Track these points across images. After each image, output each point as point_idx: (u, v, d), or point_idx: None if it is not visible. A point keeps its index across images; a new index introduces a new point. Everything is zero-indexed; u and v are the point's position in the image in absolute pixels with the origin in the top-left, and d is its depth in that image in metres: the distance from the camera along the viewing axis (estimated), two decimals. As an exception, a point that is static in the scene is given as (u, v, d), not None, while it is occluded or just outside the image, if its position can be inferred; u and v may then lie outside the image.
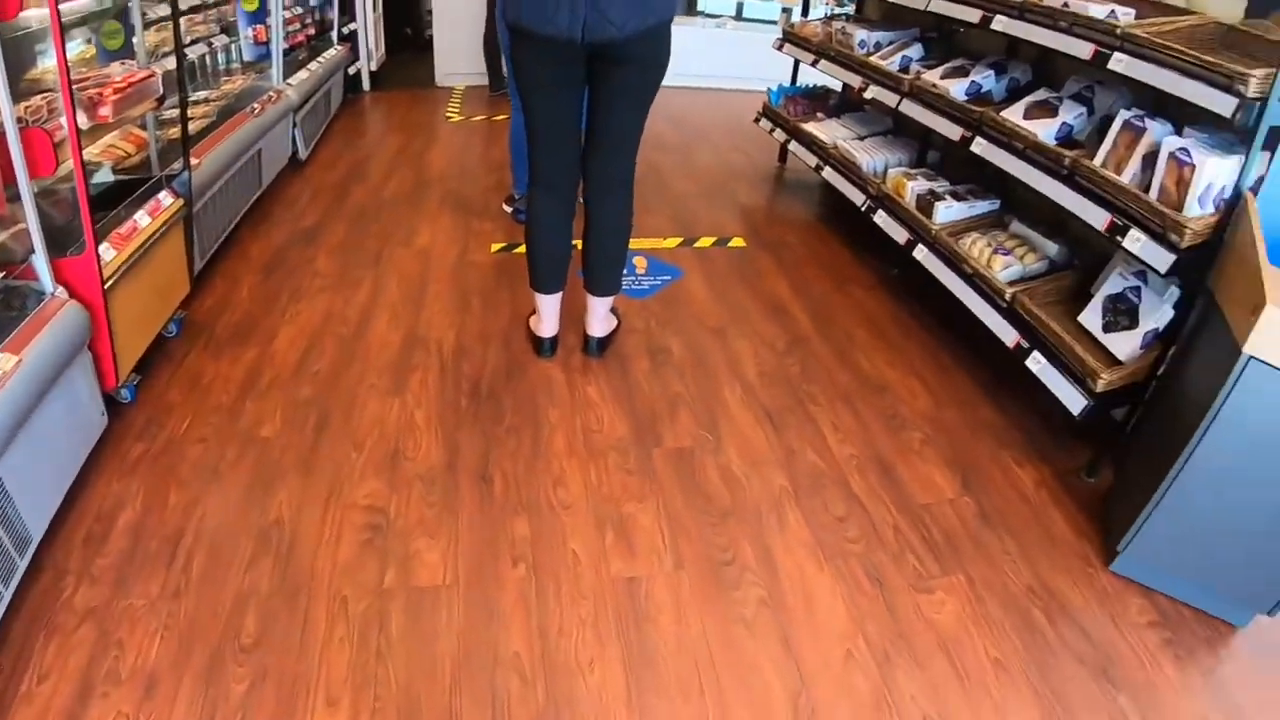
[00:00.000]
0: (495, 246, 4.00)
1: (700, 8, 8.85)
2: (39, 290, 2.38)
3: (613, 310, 3.19)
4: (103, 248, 2.55)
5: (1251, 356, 1.93)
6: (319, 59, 5.84)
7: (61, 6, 2.39)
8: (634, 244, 4.00)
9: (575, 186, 2.89)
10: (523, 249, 3.39)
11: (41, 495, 2.23)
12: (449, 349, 3.13)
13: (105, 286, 2.50)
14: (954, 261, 3.24)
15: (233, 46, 4.79)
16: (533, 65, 2.63)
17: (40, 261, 2.36)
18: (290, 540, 2.25)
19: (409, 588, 2.11)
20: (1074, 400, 2.61)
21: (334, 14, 6.57)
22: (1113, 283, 2.79)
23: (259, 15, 4.77)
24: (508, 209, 4.42)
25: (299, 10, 5.67)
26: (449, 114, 6.69)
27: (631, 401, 2.88)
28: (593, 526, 2.33)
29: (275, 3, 4.80)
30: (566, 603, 2.09)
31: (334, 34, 6.57)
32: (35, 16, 2.27)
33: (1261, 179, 2.36)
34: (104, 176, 3.07)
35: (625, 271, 3.64)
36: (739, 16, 8.92)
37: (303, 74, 5.31)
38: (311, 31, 6.02)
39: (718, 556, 2.25)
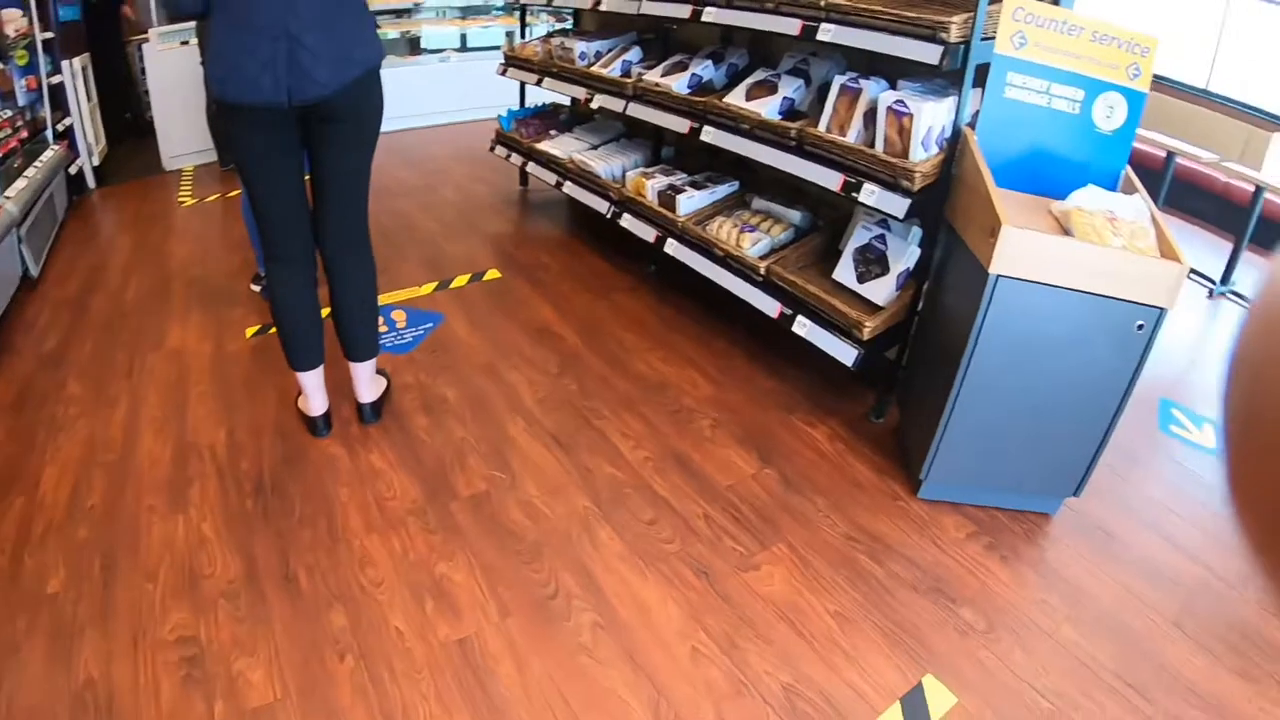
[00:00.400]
0: (250, 331, 3.75)
1: (423, 45, 8.75)
2: None
3: (380, 372, 3.07)
4: None
5: (999, 275, 2.14)
6: (36, 163, 5.29)
7: None
8: (389, 297, 3.89)
9: (312, 255, 2.75)
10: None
11: None
12: (223, 450, 2.91)
13: None
14: (705, 248, 3.31)
15: None
16: (245, 136, 2.50)
17: None
18: (107, 699, 2.02)
19: (242, 713, 1.94)
20: (845, 353, 2.72)
21: (46, 111, 6.00)
22: (858, 236, 2.94)
23: None
24: (255, 288, 4.17)
25: (8, 113, 5.13)
26: (181, 199, 6.27)
27: (418, 460, 2.77)
28: (410, 598, 2.22)
29: None
30: (404, 682, 1.98)
31: (49, 133, 6.00)
32: None
33: (977, 113, 2.54)
34: None
35: (384, 328, 3.51)
36: (463, 48, 8.89)
37: (20, 183, 4.78)
38: (24, 134, 5.46)
39: (540, 593, 2.19)
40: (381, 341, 3.02)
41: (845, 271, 2.95)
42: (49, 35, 6.25)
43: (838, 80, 2.85)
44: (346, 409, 3.02)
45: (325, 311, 2.83)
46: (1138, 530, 2.57)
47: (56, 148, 5.94)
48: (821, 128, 2.86)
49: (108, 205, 6.48)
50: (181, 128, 6.92)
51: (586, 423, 2.88)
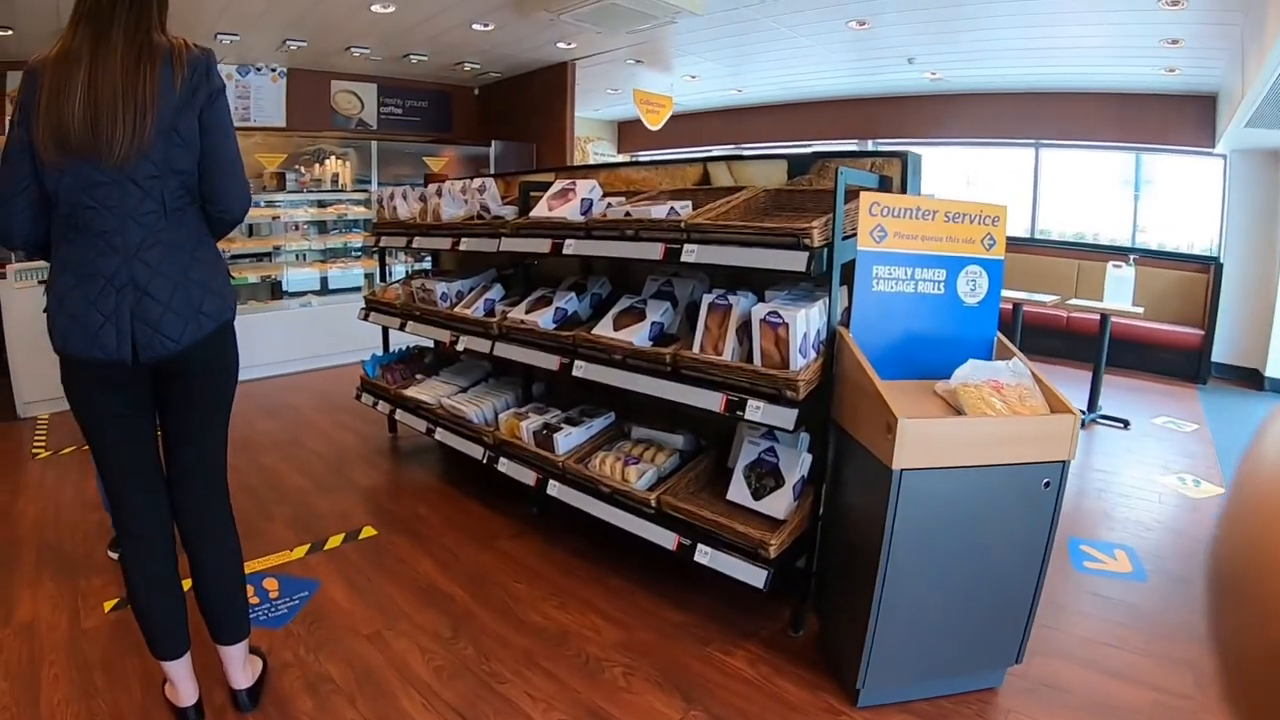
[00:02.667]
0: (108, 605, 3.46)
1: (285, 289, 8.81)
2: None
3: (254, 650, 2.84)
4: None
5: (903, 470, 2.22)
6: None
7: None
8: (259, 563, 3.70)
9: (169, 529, 2.54)
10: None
11: None
12: None
13: None
14: (589, 486, 3.30)
15: None
16: (88, 395, 2.32)
17: None
18: None
19: None
20: (754, 575, 2.70)
21: None
22: (746, 452, 2.99)
23: None
24: (113, 555, 3.89)
25: None
26: (35, 450, 5.96)
27: None
28: None
29: None
30: None
31: None
32: None
33: (845, 310, 2.69)
34: None
35: (255, 599, 3.31)
36: (324, 290, 8.99)
37: None
38: None
39: None
40: (254, 615, 2.82)
41: (739, 490, 2.97)
42: None
43: (706, 299, 2.97)
44: (220, 695, 2.74)
45: (187, 583, 2.61)
46: (1083, 675, 2.64)
47: None
48: (695, 349, 2.95)
49: None
50: (38, 371, 6.68)
51: (490, 689, 2.71)
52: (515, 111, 10.85)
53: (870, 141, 11.39)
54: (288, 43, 8.52)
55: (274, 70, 9.69)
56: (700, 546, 2.85)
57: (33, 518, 4.61)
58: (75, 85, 2.10)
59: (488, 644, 2.97)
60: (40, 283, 6.68)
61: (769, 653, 2.78)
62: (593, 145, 15.36)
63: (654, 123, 11.43)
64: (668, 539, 2.95)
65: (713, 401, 2.82)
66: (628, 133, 15.67)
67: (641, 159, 11.97)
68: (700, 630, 2.94)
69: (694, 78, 10.82)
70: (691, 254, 2.88)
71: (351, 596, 3.42)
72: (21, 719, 2.75)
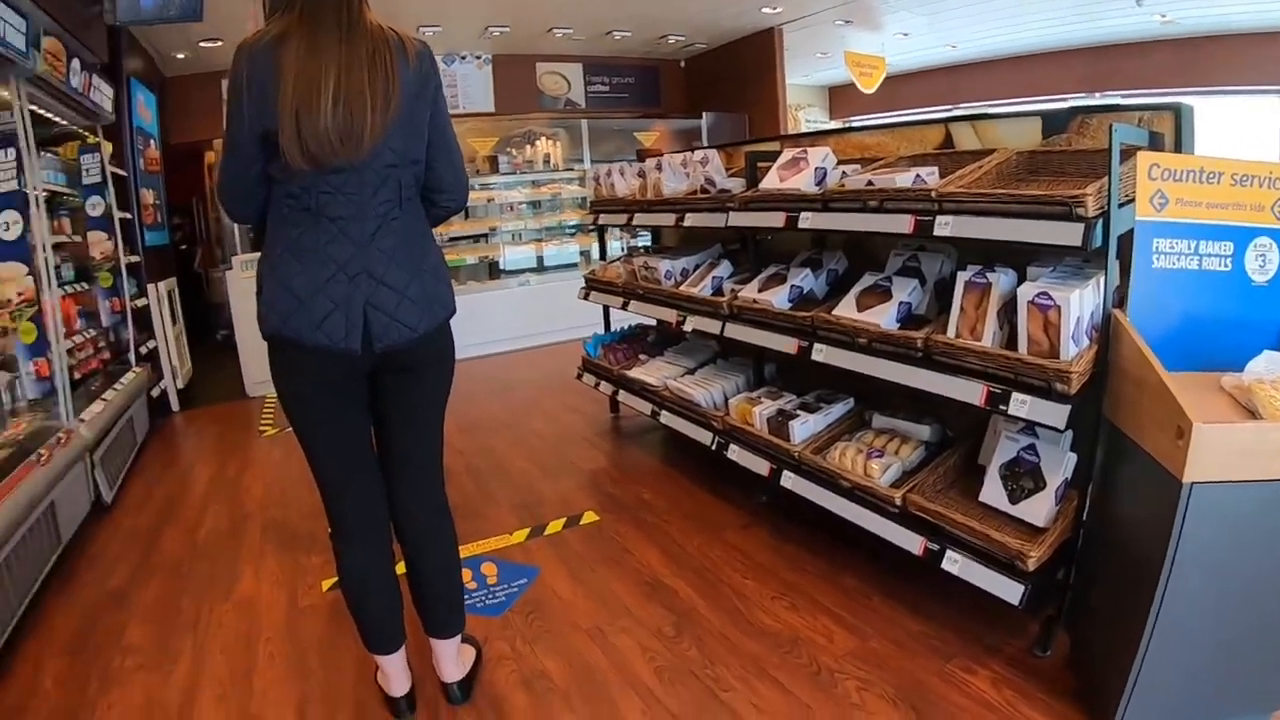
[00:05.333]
0: (326, 584, 3.67)
1: (503, 267, 9.16)
2: None
3: (468, 639, 2.89)
4: None
5: (1194, 483, 1.94)
6: (116, 385, 5.57)
7: None
8: (479, 547, 3.79)
9: (385, 528, 2.58)
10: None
11: None
12: None
13: None
14: (828, 479, 3.16)
15: (15, 384, 4.48)
16: (302, 388, 2.36)
17: None
18: None
19: None
20: (1009, 590, 2.50)
21: (130, 334, 6.38)
22: (1003, 449, 2.77)
23: (39, 347, 4.50)
24: None
25: (91, 333, 5.44)
26: (263, 427, 6.47)
27: None
28: None
29: (55, 331, 4.56)
30: None
31: (132, 356, 6.35)
32: None
33: (1118, 290, 2.42)
34: None
35: (473, 584, 3.38)
36: (540, 268, 9.27)
37: (98, 406, 5.01)
38: (106, 356, 5.82)
39: None
40: (470, 601, 2.84)
41: (993, 492, 2.76)
42: (135, 259, 6.75)
43: (961, 277, 2.74)
44: (432, 684, 2.80)
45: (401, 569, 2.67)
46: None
47: (139, 370, 6.29)
48: (950, 333, 2.73)
49: (189, 430, 6.75)
50: (264, 354, 7.25)
51: (713, 697, 2.62)
52: (724, 82, 10.81)
53: (1097, 95, 10.62)
54: (490, 29, 8.82)
55: (479, 57, 10.11)
56: (949, 553, 2.66)
57: (259, 494, 4.95)
58: (323, 99, 2.11)
59: (713, 646, 2.89)
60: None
61: (1014, 673, 2.56)
62: (804, 112, 15.11)
63: (868, 85, 11.11)
64: (913, 542, 2.78)
65: (969, 393, 2.61)
66: (840, 98, 15.35)
67: (875, 122, 11.67)
68: (940, 643, 2.75)
69: (905, 35, 10.49)
70: (945, 226, 2.67)
71: (572, 586, 3.43)
72: (235, 696, 2.92)
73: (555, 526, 4.04)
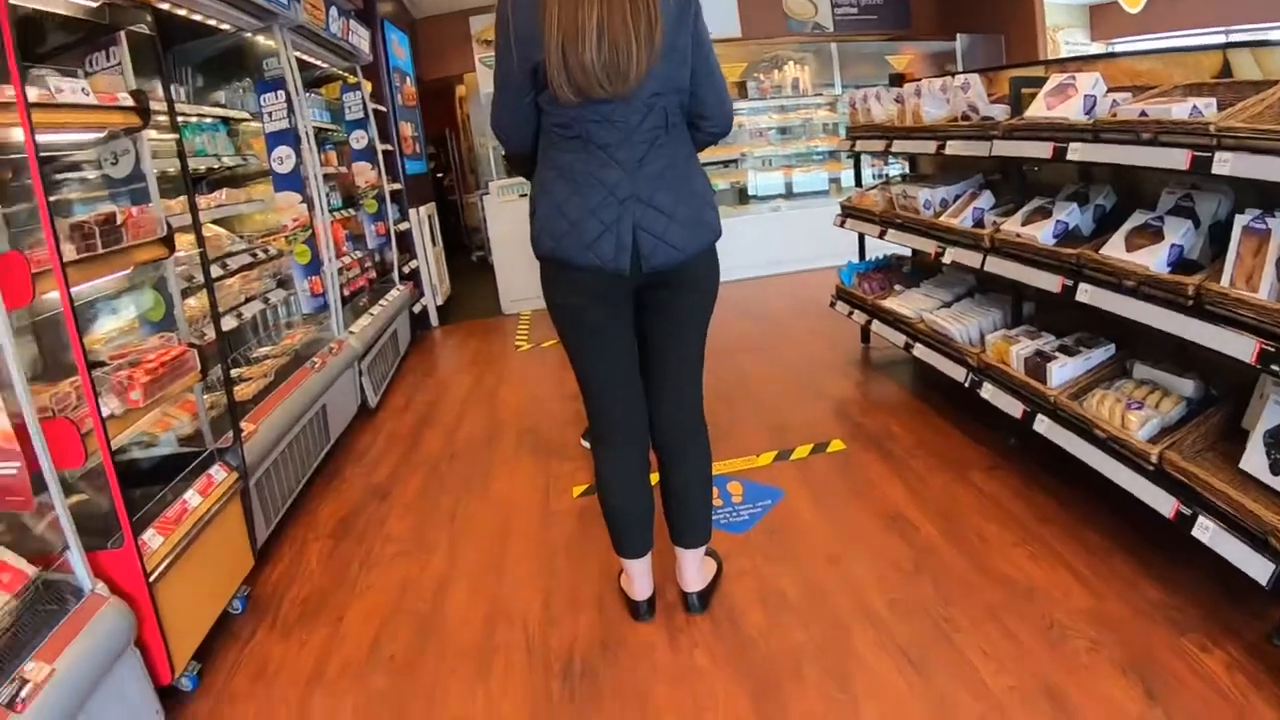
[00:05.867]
0: (577, 490, 3.96)
1: (752, 193, 9.21)
2: (77, 586, 2.46)
3: (710, 553, 3.06)
4: (149, 534, 2.65)
5: None
6: (382, 301, 6.26)
7: (94, 284, 2.55)
8: (727, 466, 3.93)
9: (644, 438, 2.75)
10: (605, 493, 3.36)
11: None
12: (535, 621, 3.01)
13: (150, 578, 2.57)
14: (1082, 427, 3.08)
15: (291, 300, 5.18)
16: (573, 302, 2.51)
17: (76, 557, 2.45)
18: None
19: None
20: (1259, 568, 2.34)
21: (394, 255, 7.06)
22: (1270, 414, 2.60)
23: (313, 266, 5.12)
24: (586, 444, 4.40)
25: (358, 255, 6.11)
26: (518, 342, 6.94)
27: (747, 664, 2.67)
28: None
29: (328, 253, 5.15)
30: None
31: (395, 275, 7.04)
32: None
33: None
34: (160, 447, 3.29)
35: (719, 502, 3.51)
36: (789, 194, 9.24)
37: (365, 320, 5.67)
38: (372, 275, 6.48)
39: None
40: (716, 517, 2.98)
41: (1255, 460, 2.59)
42: (397, 186, 7.38)
43: (1240, 221, 2.55)
44: (672, 592, 3.01)
45: (655, 478, 2.84)
46: None
47: (402, 288, 6.95)
48: (1225, 281, 2.56)
49: (447, 343, 7.32)
50: (519, 274, 7.82)
51: (943, 636, 2.66)
52: (978, 1, 10.20)
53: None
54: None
55: (725, -20, 9.94)
56: (1201, 519, 2.54)
57: (513, 404, 5.33)
58: (587, 39, 2.19)
59: (949, 586, 2.92)
60: (521, 196, 7.61)
61: (1249, 660, 2.41)
62: (1062, 34, 13.97)
63: (1133, 5, 10.15)
64: (1165, 504, 2.67)
65: (1240, 348, 2.44)
66: (1102, 18, 14.02)
67: (1144, 47, 10.72)
68: (1178, 614, 2.65)
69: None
70: (1224, 164, 2.47)
71: (814, 512, 3.55)
72: (485, 586, 3.24)
73: (802, 452, 4.15)
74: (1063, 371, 3.29)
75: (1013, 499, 3.43)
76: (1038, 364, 3.35)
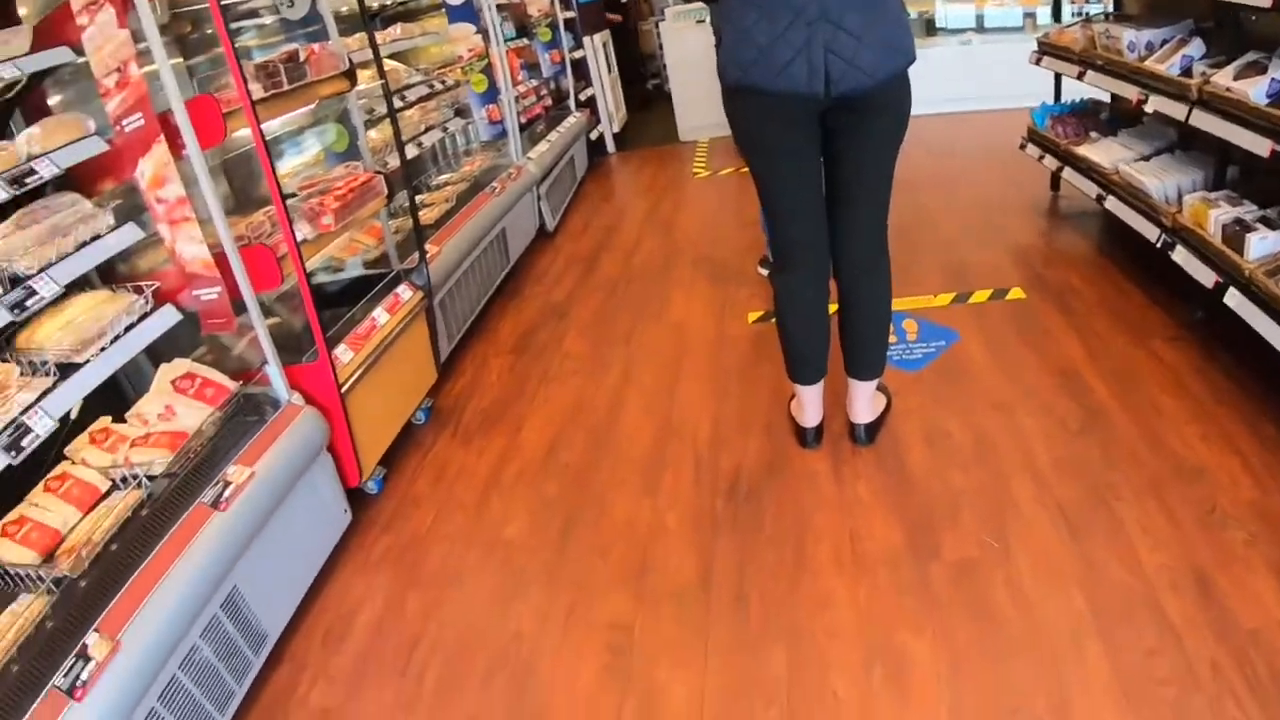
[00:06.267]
0: (752, 316, 4.03)
1: (940, 25, 8.71)
2: (275, 398, 2.76)
3: (881, 388, 3.08)
4: (340, 349, 2.92)
5: None
6: (558, 129, 6.40)
7: (280, 120, 2.73)
8: (901, 303, 3.88)
9: (825, 264, 2.76)
10: (782, 317, 3.38)
11: (280, 594, 2.57)
12: (704, 440, 3.13)
13: (342, 389, 2.84)
14: (1275, 307, 2.88)
15: (469, 128, 5.37)
16: (762, 128, 2.52)
17: (274, 371, 2.74)
18: (528, 657, 2.35)
19: (650, 727, 2.09)
20: None
21: (569, 82, 7.12)
22: None
23: (490, 95, 5.28)
24: (763, 271, 4.45)
25: (533, 83, 6.23)
26: (695, 170, 6.95)
27: (906, 501, 2.74)
28: (858, 661, 2.19)
29: (505, 81, 5.27)
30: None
31: (571, 102, 7.11)
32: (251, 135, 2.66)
33: None
34: (347, 271, 3.58)
35: (893, 339, 3.49)
36: (980, 28, 8.69)
37: (543, 146, 5.83)
38: (549, 103, 6.60)
39: (1003, 703, 2.03)
40: (889, 353, 3.00)
41: None
42: (570, 14, 7.38)
43: None
44: (839, 423, 3.06)
45: (833, 308, 2.85)
46: None
47: (578, 115, 7.03)
48: None
49: (624, 169, 7.41)
50: (697, 101, 7.73)
51: (1103, 502, 2.63)
52: None
53: None
54: None
55: None
56: None
57: (690, 230, 5.37)
58: None
59: (1116, 452, 2.86)
60: (698, 22, 7.40)
61: None
62: None
63: None
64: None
65: None
66: None
67: None
68: None
69: None
70: None
71: (987, 358, 3.50)
72: (657, 405, 3.39)
73: (980, 296, 4.07)
74: (1263, 244, 3.06)
75: (1192, 374, 3.28)
76: (1236, 232, 3.14)
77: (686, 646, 2.32)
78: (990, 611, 2.30)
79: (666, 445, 3.15)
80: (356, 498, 2.97)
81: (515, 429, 3.37)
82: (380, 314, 3.21)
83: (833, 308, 2.86)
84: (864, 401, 2.96)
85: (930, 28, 8.72)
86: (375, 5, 4.72)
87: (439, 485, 3.13)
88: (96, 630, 2.07)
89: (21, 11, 2.70)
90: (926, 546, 2.55)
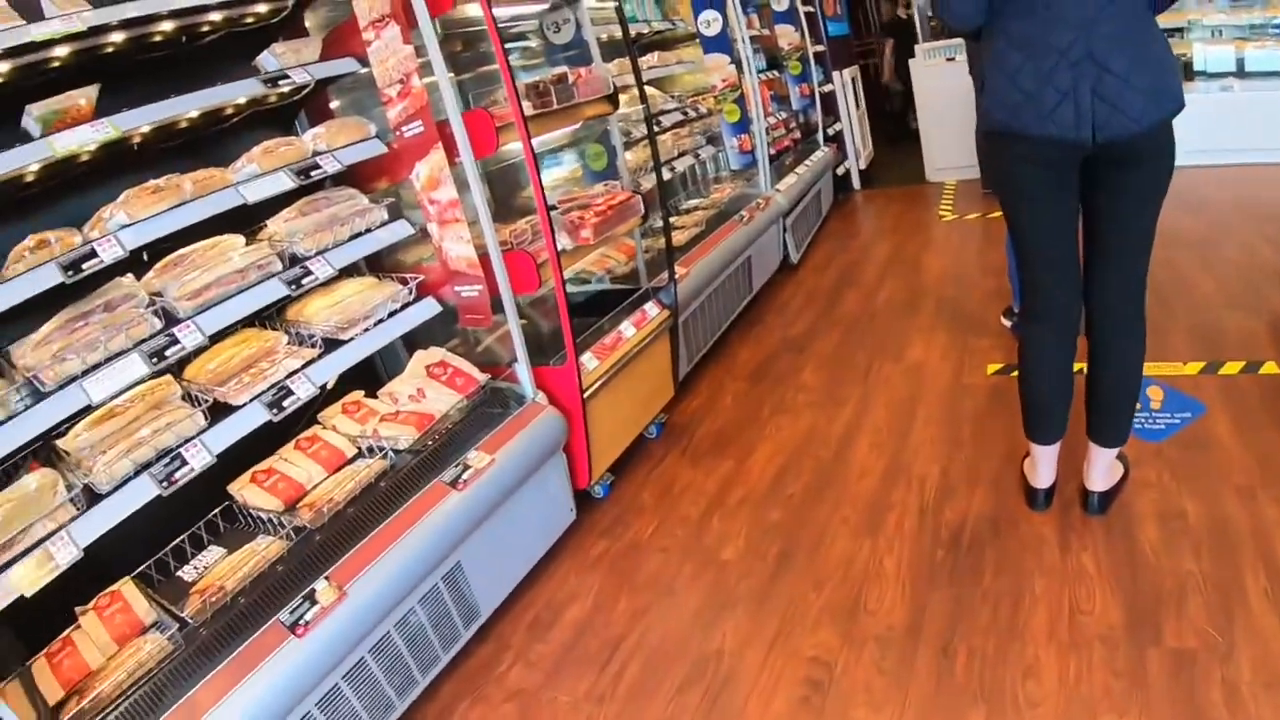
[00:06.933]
0: (992, 368, 3.94)
1: (1198, 68, 8.24)
2: (520, 394, 2.97)
3: (1120, 456, 2.93)
4: (585, 357, 3.10)
5: None
6: (806, 162, 6.52)
7: (545, 137, 2.91)
8: (1149, 368, 3.60)
9: (1075, 317, 2.66)
10: (1021, 371, 3.27)
11: (498, 577, 2.76)
12: (932, 487, 3.10)
13: (584, 395, 3.01)
14: None
15: (720, 156, 5.54)
16: (1022, 173, 2.47)
17: (522, 370, 2.95)
18: (725, 676, 2.38)
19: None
20: None
21: (818, 116, 7.19)
22: None
23: (742, 125, 5.44)
24: (1006, 322, 4.36)
25: (783, 115, 6.35)
26: (941, 212, 6.86)
27: (1132, 578, 2.60)
28: None
29: (757, 111, 5.43)
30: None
31: (819, 136, 7.20)
32: (519, 149, 2.88)
33: None
34: (593, 285, 3.77)
35: (1138, 405, 3.34)
36: (1241, 73, 8.16)
37: (790, 178, 5.94)
38: (797, 135, 6.71)
39: None
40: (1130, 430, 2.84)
41: None
42: (820, 48, 7.40)
43: None
44: (1071, 487, 2.95)
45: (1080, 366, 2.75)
46: None
47: (826, 149, 7.10)
48: None
49: (869, 207, 7.40)
50: (945, 142, 7.61)
51: None
52: None
53: None
54: None
55: None
56: None
57: (933, 273, 5.29)
58: None
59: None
60: (948, 60, 7.28)
61: None
62: None
63: None
64: None
65: None
66: None
67: None
68: None
69: None
70: None
71: (1234, 436, 3.25)
72: (888, 445, 3.38)
73: (1232, 368, 3.79)
74: None
75: None
76: None
77: (886, 692, 2.29)
78: (1201, 709, 2.14)
79: (893, 487, 3.13)
80: (582, 499, 3.12)
81: (744, 454, 3.44)
82: (627, 327, 3.37)
83: (1079, 366, 2.74)
84: (1102, 469, 2.83)
85: (1187, 71, 8.25)
86: (633, 34, 4.90)
87: (664, 499, 3.23)
88: (326, 579, 2.29)
89: (308, 23, 2.99)
90: (1146, 629, 2.40)
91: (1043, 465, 2.86)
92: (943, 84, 7.48)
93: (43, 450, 2.38)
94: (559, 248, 2.96)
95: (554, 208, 3.18)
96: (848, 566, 2.76)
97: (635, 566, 2.92)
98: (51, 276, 2.16)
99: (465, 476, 2.60)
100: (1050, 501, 2.91)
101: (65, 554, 2.03)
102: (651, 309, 3.53)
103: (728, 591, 2.73)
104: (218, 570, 2.41)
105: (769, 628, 2.55)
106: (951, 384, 3.82)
